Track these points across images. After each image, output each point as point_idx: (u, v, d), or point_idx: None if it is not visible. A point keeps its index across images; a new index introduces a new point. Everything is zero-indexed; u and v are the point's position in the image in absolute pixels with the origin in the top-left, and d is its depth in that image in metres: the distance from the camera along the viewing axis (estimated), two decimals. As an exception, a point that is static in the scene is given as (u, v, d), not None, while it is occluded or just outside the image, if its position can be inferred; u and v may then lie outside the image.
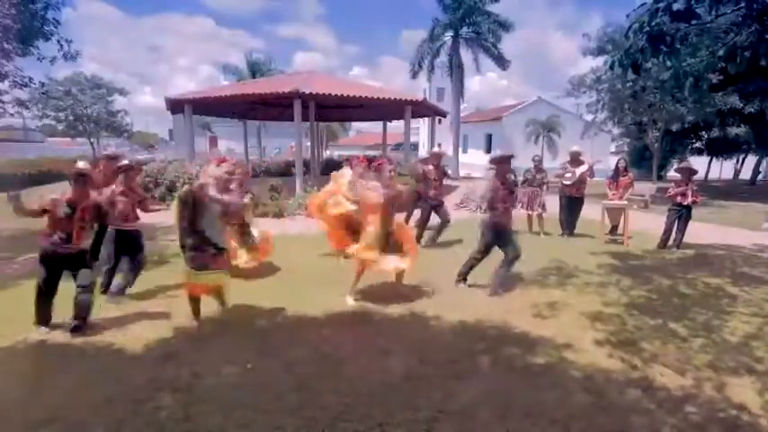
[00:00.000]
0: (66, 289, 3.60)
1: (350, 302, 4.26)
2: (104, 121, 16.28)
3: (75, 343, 3.40)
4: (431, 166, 6.73)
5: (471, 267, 4.76)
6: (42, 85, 8.93)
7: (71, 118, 15.60)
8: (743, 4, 3.39)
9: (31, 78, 7.69)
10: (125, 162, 4.51)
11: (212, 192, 3.69)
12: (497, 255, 4.66)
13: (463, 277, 4.81)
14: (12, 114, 9.08)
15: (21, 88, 7.79)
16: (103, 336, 3.50)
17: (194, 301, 3.78)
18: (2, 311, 3.98)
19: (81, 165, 3.64)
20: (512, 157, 4.74)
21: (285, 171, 15.17)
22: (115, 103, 16.83)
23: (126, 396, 2.67)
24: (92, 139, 17.09)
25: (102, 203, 3.75)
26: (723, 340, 3.54)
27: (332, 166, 16.27)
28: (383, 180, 4.34)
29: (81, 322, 3.54)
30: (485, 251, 4.70)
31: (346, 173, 5.09)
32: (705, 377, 2.96)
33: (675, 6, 3.07)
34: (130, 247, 4.35)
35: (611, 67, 3.66)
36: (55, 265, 3.52)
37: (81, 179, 3.54)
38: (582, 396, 2.71)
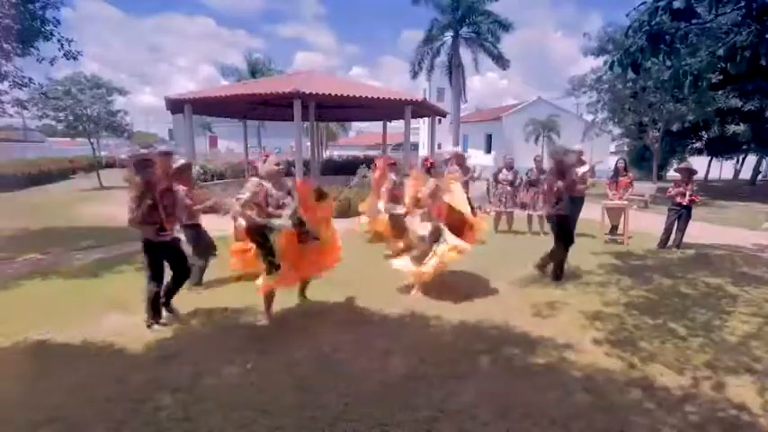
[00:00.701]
0: (75, 287, 3.61)
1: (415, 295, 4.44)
2: (104, 121, 16.14)
3: (75, 343, 3.40)
4: (456, 166, 6.66)
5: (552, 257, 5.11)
6: (41, 86, 8.89)
7: (71, 118, 15.48)
8: (743, 4, 3.38)
9: (30, 79, 7.67)
10: (183, 162, 4.51)
11: (272, 189, 3.69)
12: (501, 254, 4.65)
13: (546, 269, 5.18)
14: (11, 115, 9.05)
15: (20, 89, 7.77)
16: (104, 336, 3.50)
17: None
18: (2, 311, 3.98)
19: (144, 150, 3.67)
20: (566, 156, 5.32)
21: (285, 171, 15.16)
22: (115, 102, 16.69)
23: (126, 396, 2.67)
24: (92, 139, 17.01)
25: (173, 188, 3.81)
26: (722, 340, 3.54)
27: (332, 167, 16.29)
28: (440, 178, 4.48)
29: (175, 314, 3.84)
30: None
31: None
32: (704, 377, 2.96)
33: (675, 5, 3.05)
34: (204, 241, 4.66)
35: (611, 67, 3.64)
36: (156, 255, 3.65)
37: (146, 165, 3.54)
38: (582, 396, 2.71)
